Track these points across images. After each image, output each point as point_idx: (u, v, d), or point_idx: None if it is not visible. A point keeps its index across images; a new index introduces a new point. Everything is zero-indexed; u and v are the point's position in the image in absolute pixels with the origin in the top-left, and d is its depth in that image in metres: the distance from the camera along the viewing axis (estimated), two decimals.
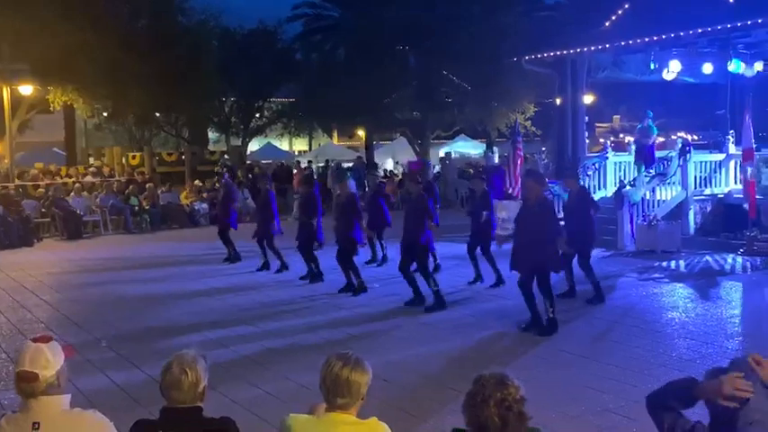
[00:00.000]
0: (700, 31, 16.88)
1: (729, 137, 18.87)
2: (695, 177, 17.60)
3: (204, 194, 24.77)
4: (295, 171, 28.91)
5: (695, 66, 19.57)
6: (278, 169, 30.06)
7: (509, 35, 26.81)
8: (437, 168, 31.00)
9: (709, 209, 17.70)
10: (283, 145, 43.47)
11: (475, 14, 28.62)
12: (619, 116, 49.16)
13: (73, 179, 26.04)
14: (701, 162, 17.92)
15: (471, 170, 25.61)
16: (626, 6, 18.93)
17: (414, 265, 10.91)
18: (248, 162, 34.24)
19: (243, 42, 31.96)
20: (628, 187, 16.84)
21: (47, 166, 29.54)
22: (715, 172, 18.10)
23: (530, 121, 30.89)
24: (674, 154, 17.92)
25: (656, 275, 13.17)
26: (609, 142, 22.34)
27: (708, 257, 14.73)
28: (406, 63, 31.85)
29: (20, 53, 24.41)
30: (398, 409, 6.46)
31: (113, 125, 31.30)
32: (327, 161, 34.99)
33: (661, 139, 23.31)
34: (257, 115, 34.88)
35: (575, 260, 11.00)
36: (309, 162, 34.25)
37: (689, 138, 28.63)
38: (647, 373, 7.43)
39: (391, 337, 9.31)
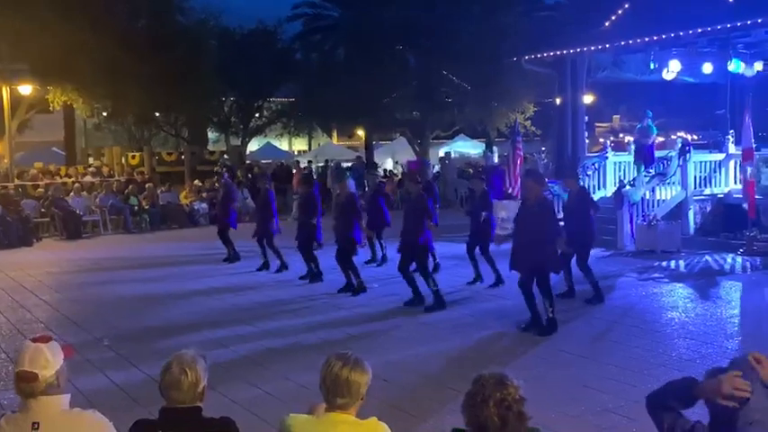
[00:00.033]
0: (699, 30, 16.88)
1: (729, 137, 18.87)
2: (695, 177, 17.60)
3: (204, 194, 24.78)
4: (294, 171, 28.89)
5: (695, 65, 19.58)
6: (277, 169, 30.05)
7: (509, 35, 26.82)
8: (436, 168, 31.00)
9: (708, 209, 17.70)
10: (283, 145, 43.46)
11: (475, 14, 28.63)
12: (618, 116, 49.13)
13: (72, 179, 26.04)
14: (700, 162, 17.92)
15: (471, 170, 25.63)
16: (626, 6, 18.93)
17: (413, 265, 10.91)
18: (248, 162, 34.24)
19: (242, 42, 31.94)
20: (627, 187, 16.84)
21: (46, 165, 29.56)
22: (715, 172, 18.10)
23: (529, 121, 30.89)
24: (673, 154, 17.93)
25: (656, 275, 13.16)
26: (609, 142, 22.33)
27: (707, 257, 14.73)
28: (406, 63, 31.85)
29: (19, 53, 24.42)
30: (398, 409, 6.46)
31: (113, 125, 31.32)
32: (327, 161, 34.98)
33: (661, 139, 23.30)
34: (257, 115, 34.88)
35: (573, 260, 11.00)
36: (309, 162, 34.24)
37: (689, 137, 28.62)
38: (646, 373, 7.43)
39: (391, 337, 9.30)
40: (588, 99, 23.46)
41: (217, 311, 11.04)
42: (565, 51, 19.84)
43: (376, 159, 36.66)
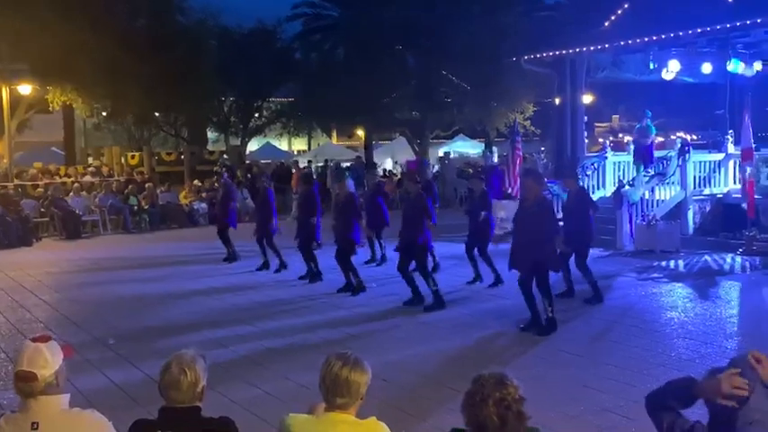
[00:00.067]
0: (699, 30, 16.89)
1: (728, 137, 18.88)
2: (694, 177, 17.60)
3: (203, 194, 24.77)
4: (294, 171, 28.89)
5: (694, 65, 19.59)
6: (277, 169, 30.05)
7: (508, 35, 26.85)
8: (436, 168, 31.00)
9: (708, 209, 17.71)
10: (282, 145, 43.46)
11: (474, 14, 28.65)
12: (618, 116, 49.18)
13: (72, 179, 26.02)
14: (700, 162, 17.93)
15: (470, 170, 25.63)
16: (625, 6, 18.93)
17: (412, 265, 10.91)
18: (247, 162, 34.24)
19: (242, 42, 31.95)
20: (627, 187, 16.85)
21: (46, 165, 29.53)
22: (714, 172, 18.10)
23: (529, 121, 30.91)
24: (673, 154, 17.93)
25: (655, 275, 13.17)
26: (608, 142, 22.37)
27: (707, 257, 14.73)
28: (406, 63, 31.87)
29: (19, 53, 24.42)
30: (397, 409, 6.45)
31: (112, 125, 31.34)
32: (326, 161, 34.99)
33: (660, 139, 23.31)
34: (256, 115, 34.90)
35: (572, 260, 11.00)
36: (309, 162, 34.24)
37: (688, 137, 28.62)
38: (645, 373, 7.43)
39: (390, 337, 9.30)
40: (587, 99, 23.47)
41: (216, 311, 11.04)
42: (564, 51, 19.85)
43: (375, 159, 36.66)
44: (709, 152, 19.19)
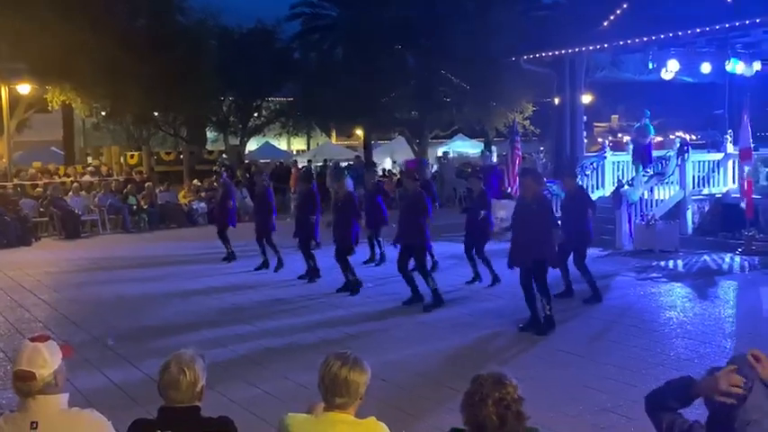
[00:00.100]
0: (698, 30, 16.90)
1: (728, 136, 18.89)
2: (693, 177, 17.61)
3: (202, 194, 24.76)
4: (293, 171, 28.88)
5: (693, 65, 19.61)
6: (276, 168, 30.05)
7: (507, 35, 26.78)
8: (435, 168, 31.00)
9: (707, 208, 17.71)
10: (282, 144, 43.43)
11: (473, 14, 28.63)
12: (617, 116, 49.17)
13: (71, 178, 26.02)
14: (699, 162, 17.94)
15: (469, 169, 25.62)
16: (624, 6, 18.93)
17: (411, 264, 10.91)
18: (246, 161, 34.23)
19: (241, 42, 31.91)
20: (626, 187, 16.86)
21: (45, 165, 29.53)
22: (713, 171, 18.11)
23: (528, 121, 30.90)
24: (672, 153, 17.94)
25: (654, 275, 13.17)
26: (607, 142, 22.37)
27: (706, 257, 14.74)
28: (405, 62, 31.84)
29: (18, 52, 24.39)
30: (396, 409, 6.46)
31: (111, 124, 31.27)
32: (326, 160, 34.98)
33: (659, 139, 23.32)
34: (255, 115, 34.85)
35: (570, 260, 11.00)
36: (309, 162, 34.22)
37: (687, 137, 28.62)
38: (644, 373, 7.44)
39: (389, 337, 9.30)
40: (587, 99, 23.48)
41: (215, 311, 11.04)
42: (563, 51, 19.85)
43: (375, 159, 36.64)
44: (708, 152, 19.20)
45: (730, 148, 18.34)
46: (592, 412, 6.50)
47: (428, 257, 11.99)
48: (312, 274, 13.06)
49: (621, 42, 18.37)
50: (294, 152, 44.82)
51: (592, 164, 18.92)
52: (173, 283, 13.31)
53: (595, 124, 42.63)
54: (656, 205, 16.94)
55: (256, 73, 30.60)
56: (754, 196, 15.60)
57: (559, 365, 7.93)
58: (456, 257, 13.64)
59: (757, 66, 18.86)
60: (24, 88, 26.41)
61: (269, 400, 6.99)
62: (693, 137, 31.03)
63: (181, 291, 12.60)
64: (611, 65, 20.42)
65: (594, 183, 18.53)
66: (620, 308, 10.60)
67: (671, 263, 14.29)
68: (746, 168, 15.79)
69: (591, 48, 19.15)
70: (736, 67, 17.99)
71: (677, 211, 17.15)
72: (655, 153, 18.88)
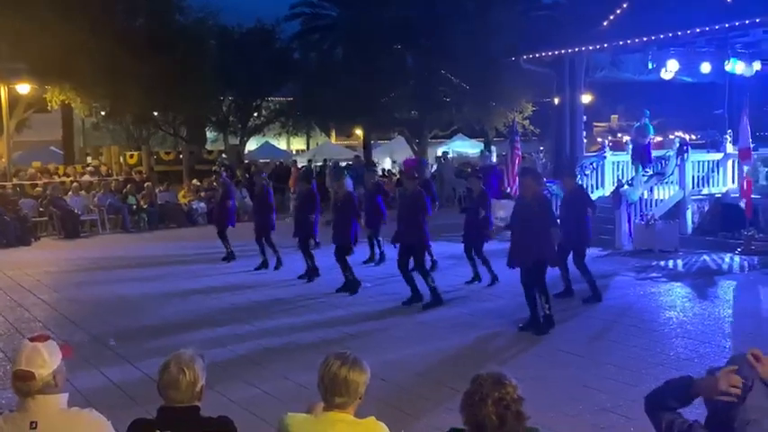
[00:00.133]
0: (698, 30, 16.89)
1: (727, 136, 18.89)
2: (693, 177, 17.61)
3: (202, 194, 24.76)
4: (292, 170, 28.86)
5: (693, 65, 19.60)
6: (276, 168, 30.04)
7: (507, 35, 26.81)
8: (434, 168, 31.00)
9: (706, 208, 17.71)
10: (281, 144, 43.43)
11: (473, 14, 28.64)
12: (617, 116, 49.18)
13: (70, 178, 26.02)
14: (698, 161, 17.93)
15: (468, 169, 25.63)
16: (624, 6, 18.93)
17: (412, 263, 10.90)
18: (246, 161, 34.23)
19: (241, 41, 31.92)
20: (625, 187, 16.86)
21: (44, 165, 29.54)
22: (713, 171, 18.11)
23: (528, 121, 30.90)
24: (671, 153, 17.94)
25: (654, 275, 13.17)
26: (607, 142, 22.36)
27: (705, 257, 14.74)
28: (404, 62, 31.86)
29: (18, 52, 24.38)
30: (396, 408, 6.46)
31: (111, 124, 31.29)
32: (325, 160, 34.98)
33: (659, 139, 23.33)
34: (255, 114, 34.85)
35: (569, 259, 11.00)
36: (309, 161, 34.21)
37: (687, 137, 28.63)
38: (644, 373, 7.44)
39: (388, 337, 9.30)
40: (586, 99, 23.47)
41: (215, 310, 11.04)
42: (563, 51, 19.85)
43: (374, 159, 36.65)
44: (708, 152, 19.19)
45: (730, 147, 18.33)
46: (591, 412, 6.50)
47: (427, 257, 11.98)
48: (311, 273, 13.08)
49: (621, 42, 18.37)
50: (294, 152, 44.81)
51: (591, 164, 18.92)
52: (172, 283, 13.31)
53: (595, 124, 42.64)
54: (656, 205, 16.94)
55: (256, 73, 30.61)
56: (753, 196, 15.60)
57: (559, 365, 7.93)
58: (455, 257, 13.64)
59: (757, 66, 18.85)
60: (24, 88, 26.40)
61: (268, 399, 6.99)
62: (693, 137, 31.04)
63: (180, 290, 12.60)
64: (611, 65, 20.41)
65: (594, 183, 18.53)
66: (620, 308, 10.60)
67: (670, 263, 14.28)
68: (746, 168, 15.79)
69: (591, 48, 19.15)
70: (736, 66, 17.99)
71: (677, 210, 17.15)
72: (654, 153, 18.89)
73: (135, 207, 23.03)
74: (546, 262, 9.24)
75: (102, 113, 30.28)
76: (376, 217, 14.17)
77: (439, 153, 35.55)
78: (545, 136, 31.58)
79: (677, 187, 17.35)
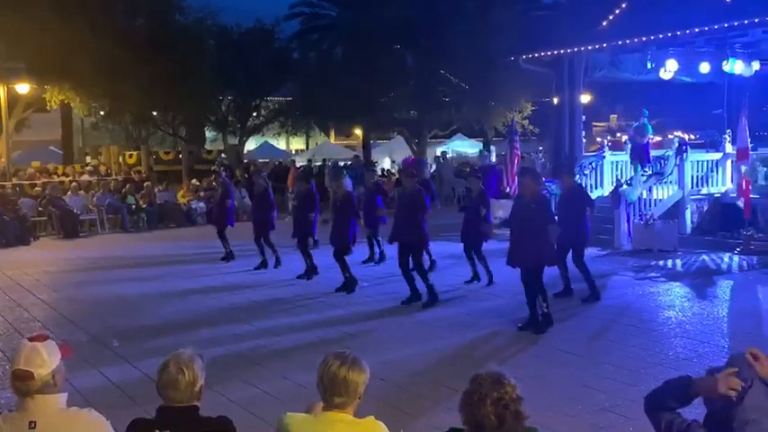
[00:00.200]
0: (697, 30, 16.89)
1: (726, 136, 18.89)
2: (692, 176, 17.61)
3: (201, 193, 24.74)
4: (291, 170, 28.85)
5: (692, 65, 19.61)
6: (275, 168, 30.04)
7: (507, 34, 26.81)
8: (433, 167, 31.00)
9: (705, 208, 17.72)
10: (280, 144, 43.43)
11: (473, 14, 28.65)
12: (616, 115, 49.15)
13: (70, 178, 26.01)
14: (697, 161, 17.94)
15: (467, 169, 25.64)
16: (623, 6, 18.93)
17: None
18: (245, 161, 34.23)
19: (240, 41, 31.93)
20: (624, 186, 16.86)
21: (44, 164, 29.54)
22: (712, 171, 18.12)
23: (527, 121, 30.91)
24: (670, 153, 17.95)
25: (653, 274, 13.18)
26: (606, 141, 22.36)
27: (704, 256, 14.74)
28: (404, 62, 31.87)
29: (17, 51, 24.39)
30: (395, 408, 6.46)
31: (110, 124, 31.29)
32: (324, 160, 34.97)
33: (658, 139, 23.31)
34: (254, 114, 34.86)
35: (569, 258, 11.01)
36: (309, 161, 34.21)
37: (686, 137, 28.62)
38: (643, 372, 7.44)
39: (387, 336, 9.30)
40: (585, 98, 23.46)
41: (214, 310, 11.04)
42: (562, 51, 19.85)
43: (374, 158, 36.65)
44: (707, 151, 19.20)
45: (729, 147, 18.33)
46: (590, 412, 6.50)
47: (425, 256, 11.98)
48: (310, 272, 13.09)
49: (620, 42, 18.37)
50: (293, 152, 44.83)
51: (591, 163, 18.92)
52: (171, 283, 13.31)
53: (594, 124, 42.59)
54: (655, 205, 16.94)
55: (255, 72, 30.62)
56: (752, 196, 15.62)
57: (558, 365, 7.94)
58: (454, 257, 13.64)
59: (756, 65, 18.86)
60: (23, 88, 26.39)
61: (268, 399, 6.99)
62: (692, 136, 31.02)
63: (179, 290, 12.60)
64: (610, 64, 20.42)
65: (593, 182, 18.52)
66: (619, 307, 10.60)
67: (669, 262, 14.29)
68: (743, 168, 15.80)
69: (590, 47, 19.15)
70: (735, 66, 18.00)
71: (676, 210, 17.15)
72: (653, 153, 18.89)
73: (134, 207, 23.02)
74: (545, 261, 9.24)
75: (102, 113, 30.26)
76: (375, 217, 14.17)
77: (438, 153, 35.56)
78: (544, 136, 31.57)
79: (676, 187, 17.35)
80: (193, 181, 26.67)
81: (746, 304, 10.98)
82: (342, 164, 31.71)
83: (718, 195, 17.81)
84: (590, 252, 12.03)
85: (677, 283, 12.29)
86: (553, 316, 9.36)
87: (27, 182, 24.84)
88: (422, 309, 10.57)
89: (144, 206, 23.20)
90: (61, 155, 33.51)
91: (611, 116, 49.33)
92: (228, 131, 34.64)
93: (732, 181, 17.76)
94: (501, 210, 15.24)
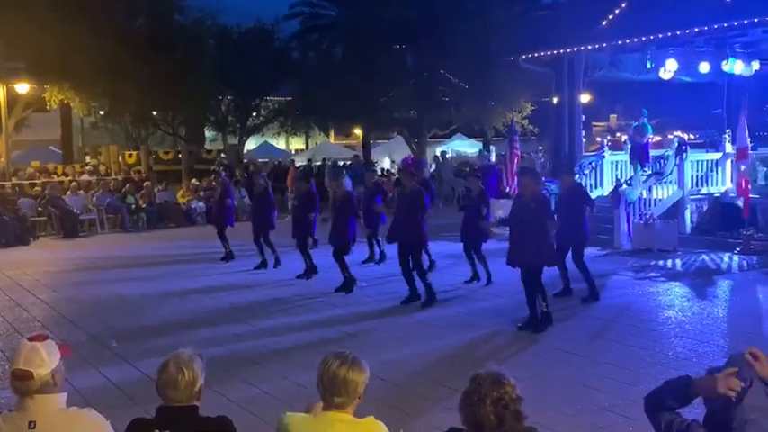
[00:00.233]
0: (696, 30, 16.90)
1: (726, 136, 18.90)
2: (692, 176, 17.62)
3: (201, 193, 24.73)
4: (290, 170, 28.87)
5: (692, 65, 19.61)
6: (275, 168, 30.04)
7: (506, 34, 26.81)
8: (433, 167, 31.00)
9: (705, 208, 17.73)
10: (280, 144, 43.44)
11: (472, 14, 28.64)
12: (616, 115, 49.17)
13: (69, 178, 26.01)
14: (697, 161, 17.95)
15: (467, 169, 25.64)
16: (623, 5, 18.93)
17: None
18: (245, 161, 34.23)
19: (240, 41, 31.93)
20: (624, 186, 16.86)
21: (43, 164, 29.56)
22: (711, 171, 18.13)
23: (527, 120, 30.91)
24: (670, 153, 17.95)
25: (653, 274, 13.17)
26: (606, 141, 22.37)
27: (704, 256, 14.74)
28: (404, 62, 31.86)
29: (17, 51, 24.39)
30: (394, 408, 6.46)
31: (110, 124, 31.32)
32: (324, 160, 34.97)
33: (657, 138, 23.32)
34: (254, 114, 34.86)
35: (568, 258, 11.01)
36: (309, 161, 34.21)
37: (685, 137, 28.63)
38: (643, 372, 7.44)
39: (387, 336, 9.30)
40: (585, 98, 23.47)
41: (213, 310, 11.04)
42: (562, 50, 19.85)
43: (373, 158, 36.65)
44: (707, 151, 19.22)
45: (729, 147, 18.35)
46: (590, 411, 6.50)
47: (425, 256, 11.98)
48: (309, 271, 13.10)
49: (620, 42, 18.37)
50: (293, 151, 44.84)
51: (590, 163, 18.92)
52: (171, 283, 13.30)
53: (594, 124, 42.61)
54: (655, 204, 16.94)
55: (255, 72, 30.62)
56: (752, 196, 15.62)
57: (558, 364, 7.94)
58: (454, 257, 13.64)
59: (756, 65, 18.87)
60: (23, 87, 26.40)
61: (267, 399, 6.99)
62: (692, 136, 31.05)
63: (179, 290, 12.60)
64: (610, 64, 20.42)
65: (593, 182, 18.53)
66: (619, 307, 10.60)
67: (669, 262, 14.29)
68: (743, 167, 15.80)
69: (589, 47, 19.15)
70: (734, 66, 18.00)
71: (676, 210, 17.15)
72: (653, 152, 18.88)
73: (134, 207, 23.01)
74: (544, 261, 9.24)
75: (101, 113, 30.29)
76: (375, 216, 14.17)
77: (438, 152, 35.56)
78: (544, 135, 31.56)
79: (676, 187, 17.36)
80: (193, 181, 26.66)
81: (746, 304, 10.98)
82: (341, 164, 31.73)
83: (718, 195, 17.82)
84: (590, 252, 12.03)
85: (677, 283, 12.29)
86: (553, 315, 9.36)
87: (27, 182, 24.84)
88: (421, 308, 10.57)
89: (144, 206, 23.19)
90: (61, 155, 33.53)
91: (611, 116, 49.35)
92: (228, 131, 34.64)
93: (732, 181, 17.76)
94: (500, 209, 15.24)
